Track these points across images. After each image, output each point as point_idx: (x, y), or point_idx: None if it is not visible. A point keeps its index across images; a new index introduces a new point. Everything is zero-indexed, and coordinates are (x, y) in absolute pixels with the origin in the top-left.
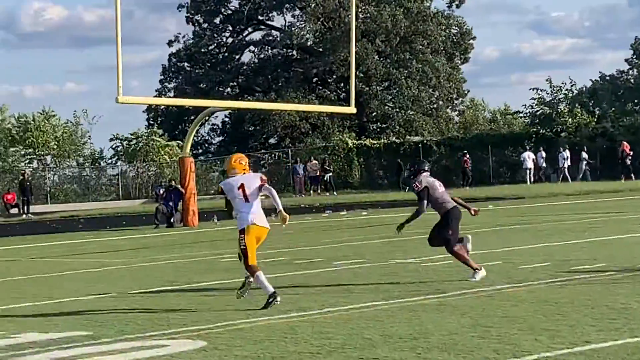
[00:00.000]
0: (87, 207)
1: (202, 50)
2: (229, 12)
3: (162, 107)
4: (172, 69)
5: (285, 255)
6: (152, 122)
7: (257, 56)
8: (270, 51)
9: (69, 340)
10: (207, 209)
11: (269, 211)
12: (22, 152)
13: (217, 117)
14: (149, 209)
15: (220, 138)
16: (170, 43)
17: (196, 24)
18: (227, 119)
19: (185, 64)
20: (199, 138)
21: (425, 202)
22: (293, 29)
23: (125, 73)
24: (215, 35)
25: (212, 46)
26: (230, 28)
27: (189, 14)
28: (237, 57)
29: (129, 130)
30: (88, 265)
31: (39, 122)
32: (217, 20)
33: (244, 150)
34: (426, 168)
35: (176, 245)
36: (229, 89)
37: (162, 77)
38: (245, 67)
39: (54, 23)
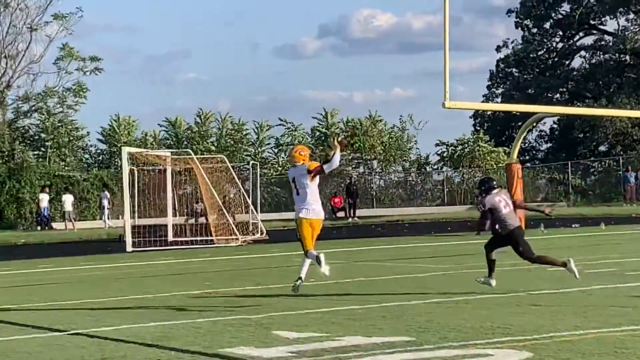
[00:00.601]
0: (412, 212)
1: (531, 55)
2: (560, 16)
3: (489, 112)
4: (500, 75)
5: (615, 266)
6: (478, 128)
7: (587, 61)
8: (601, 56)
9: (391, 345)
10: (533, 217)
11: None
12: (350, 157)
13: (545, 123)
14: (475, 215)
15: (549, 145)
16: (498, 48)
17: (525, 29)
18: (555, 125)
19: (514, 70)
20: (526, 144)
21: (487, 222)
22: (627, 33)
23: (452, 78)
24: (545, 41)
25: (542, 51)
26: (561, 33)
27: (518, 19)
28: (567, 62)
29: (454, 136)
30: (412, 270)
31: (366, 127)
32: (546, 25)
33: (572, 158)
34: (495, 185)
35: (501, 252)
36: (557, 95)
37: (490, 82)
38: (575, 73)
39: (383, 29)
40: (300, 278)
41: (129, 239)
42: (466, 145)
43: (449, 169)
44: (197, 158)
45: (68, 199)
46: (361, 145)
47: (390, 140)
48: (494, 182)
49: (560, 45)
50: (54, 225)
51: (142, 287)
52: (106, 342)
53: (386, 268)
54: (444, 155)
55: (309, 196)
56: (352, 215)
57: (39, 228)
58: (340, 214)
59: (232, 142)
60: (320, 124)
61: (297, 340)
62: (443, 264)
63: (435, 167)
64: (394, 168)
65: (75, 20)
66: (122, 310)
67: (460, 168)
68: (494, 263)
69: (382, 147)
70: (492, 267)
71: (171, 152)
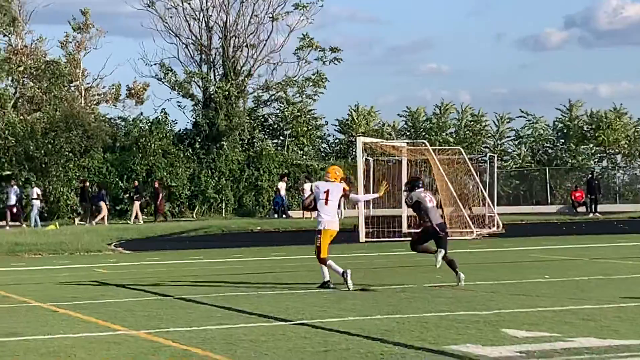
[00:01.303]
0: None
1: None
2: None
3: None
4: None
5: None
6: None
7: None
8: None
9: (627, 348)
10: None
11: None
12: (592, 150)
13: None
14: None
15: None
16: None
17: None
18: None
19: None
20: None
21: (422, 212)
22: None
23: None
24: None
25: None
26: None
27: None
28: None
29: None
30: None
31: (611, 120)
32: None
33: None
34: (420, 185)
35: None
36: None
37: None
38: None
39: (632, 20)
40: (343, 273)
41: (362, 230)
42: None
43: None
44: (433, 149)
45: (308, 188)
46: (604, 138)
47: (636, 134)
48: (420, 182)
49: None
50: (291, 213)
51: (372, 278)
52: (330, 334)
53: (626, 266)
54: None
55: (335, 210)
56: (593, 210)
57: (275, 216)
58: (581, 208)
59: (470, 133)
60: (563, 116)
61: (526, 340)
62: None
63: None
64: (639, 163)
65: (315, 10)
66: (349, 301)
67: None
68: (430, 252)
69: (627, 141)
70: (428, 250)
71: (407, 143)
